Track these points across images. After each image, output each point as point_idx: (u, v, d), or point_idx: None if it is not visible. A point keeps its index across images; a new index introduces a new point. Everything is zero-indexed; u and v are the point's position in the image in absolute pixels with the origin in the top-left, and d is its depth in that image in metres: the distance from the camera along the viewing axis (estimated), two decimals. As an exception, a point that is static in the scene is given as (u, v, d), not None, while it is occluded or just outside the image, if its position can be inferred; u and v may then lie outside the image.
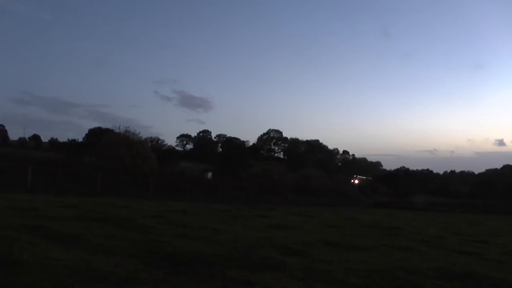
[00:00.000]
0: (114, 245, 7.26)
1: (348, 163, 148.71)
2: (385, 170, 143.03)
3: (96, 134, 74.47)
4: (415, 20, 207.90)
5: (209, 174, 48.77)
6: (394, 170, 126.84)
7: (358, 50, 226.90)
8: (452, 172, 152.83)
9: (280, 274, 6.18)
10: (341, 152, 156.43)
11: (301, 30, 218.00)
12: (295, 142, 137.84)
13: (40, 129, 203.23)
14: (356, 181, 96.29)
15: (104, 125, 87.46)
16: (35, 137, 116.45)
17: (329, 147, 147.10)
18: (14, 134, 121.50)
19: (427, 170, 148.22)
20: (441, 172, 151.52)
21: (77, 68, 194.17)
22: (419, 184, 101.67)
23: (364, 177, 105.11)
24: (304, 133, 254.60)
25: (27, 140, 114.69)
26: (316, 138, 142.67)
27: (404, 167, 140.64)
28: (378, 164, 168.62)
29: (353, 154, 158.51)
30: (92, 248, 6.90)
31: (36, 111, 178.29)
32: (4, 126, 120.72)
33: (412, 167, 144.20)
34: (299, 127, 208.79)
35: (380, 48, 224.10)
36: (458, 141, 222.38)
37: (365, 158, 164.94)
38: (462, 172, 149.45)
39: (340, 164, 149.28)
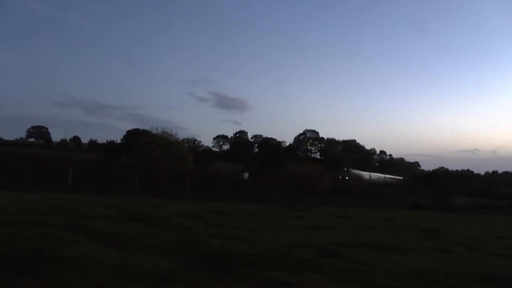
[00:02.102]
0: (152, 244, 7.37)
1: (385, 164, 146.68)
2: (423, 170, 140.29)
3: (133, 135, 75.73)
4: (452, 14, 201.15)
5: (246, 175, 48.87)
6: (433, 170, 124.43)
7: (394, 47, 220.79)
8: (494, 172, 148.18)
9: (317, 275, 6.14)
10: (378, 152, 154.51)
11: (336, 30, 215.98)
12: (331, 142, 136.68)
13: (80, 131, 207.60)
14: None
15: (141, 126, 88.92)
16: (76, 139, 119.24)
17: (366, 147, 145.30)
18: (56, 135, 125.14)
19: (467, 170, 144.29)
20: (482, 173, 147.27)
21: (114, 71, 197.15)
22: (459, 185, 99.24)
23: (401, 178, 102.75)
24: (340, 133, 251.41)
25: (68, 141, 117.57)
26: (353, 138, 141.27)
27: (443, 167, 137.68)
28: (416, 164, 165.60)
29: (390, 154, 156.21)
30: (130, 246, 7.02)
31: (76, 114, 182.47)
32: (47, 128, 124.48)
33: (452, 167, 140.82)
34: (335, 127, 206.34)
35: (416, 44, 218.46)
36: (501, 140, 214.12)
37: (403, 159, 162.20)
38: (505, 173, 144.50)
39: (377, 164, 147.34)
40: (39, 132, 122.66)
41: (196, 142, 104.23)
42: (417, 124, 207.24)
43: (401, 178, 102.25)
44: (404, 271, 6.94)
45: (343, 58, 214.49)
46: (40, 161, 32.48)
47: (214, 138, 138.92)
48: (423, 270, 7.14)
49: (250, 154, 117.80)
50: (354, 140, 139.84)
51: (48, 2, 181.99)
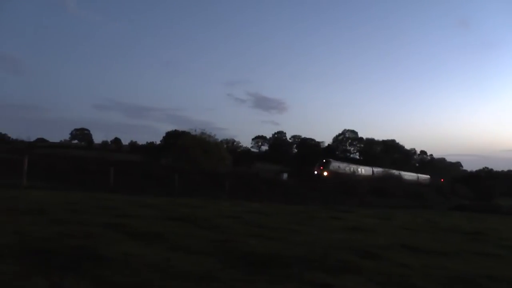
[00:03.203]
0: (192, 244, 7.42)
1: (426, 164, 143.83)
2: (465, 171, 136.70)
3: (173, 137, 76.79)
4: (495, 7, 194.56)
5: (285, 175, 48.80)
6: (476, 171, 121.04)
7: (434, 43, 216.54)
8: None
9: (358, 277, 6.05)
10: (418, 152, 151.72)
11: (373, 27, 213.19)
12: (370, 142, 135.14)
13: (121, 133, 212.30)
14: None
15: (180, 127, 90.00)
16: (116, 140, 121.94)
17: (406, 147, 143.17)
18: (97, 137, 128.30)
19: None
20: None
21: (153, 74, 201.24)
22: (504, 186, 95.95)
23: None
24: (380, 133, 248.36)
25: (109, 143, 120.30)
26: (392, 138, 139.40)
27: (487, 167, 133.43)
28: (458, 164, 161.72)
29: (431, 154, 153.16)
30: (171, 246, 7.08)
31: (117, 116, 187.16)
32: (89, 131, 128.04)
33: (496, 167, 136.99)
34: (374, 127, 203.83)
35: (458, 39, 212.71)
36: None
37: (444, 159, 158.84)
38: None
39: (417, 164, 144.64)
40: (82, 134, 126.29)
41: (235, 143, 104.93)
42: (459, 123, 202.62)
43: (429, 176, 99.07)
44: (446, 275, 6.72)
45: (382, 56, 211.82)
46: (82, 162, 33.30)
47: (252, 139, 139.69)
48: (467, 275, 6.88)
49: (289, 154, 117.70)
50: (394, 140, 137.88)
51: (87, 7, 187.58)
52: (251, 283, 5.28)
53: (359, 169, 77.64)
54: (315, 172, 65.24)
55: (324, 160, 72.79)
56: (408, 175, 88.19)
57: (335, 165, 71.63)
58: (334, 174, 62.74)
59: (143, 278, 4.99)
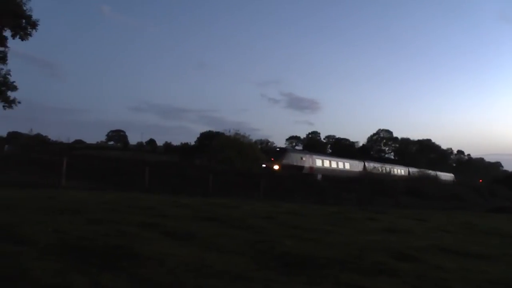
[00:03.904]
0: (227, 244, 7.44)
1: (464, 164, 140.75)
2: (506, 171, 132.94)
3: (207, 138, 77.48)
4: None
5: (319, 176, 48.41)
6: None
7: (471, 39, 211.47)
8: None
9: (394, 280, 5.94)
10: (455, 152, 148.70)
11: (409, 25, 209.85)
12: (406, 142, 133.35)
13: (156, 134, 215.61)
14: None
15: (214, 128, 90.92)
16: (151, 142, 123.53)
17: (442, 146, 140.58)
18: (133, 139, 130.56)
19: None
20: None
21: (187, 75, 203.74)
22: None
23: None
24: (415, 133, 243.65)
25: (144, 144, 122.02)
26: (428, 138, 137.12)
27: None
28: (497, 164, 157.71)
29: (469, 154, 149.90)
30: (205, 245, 7.12)
31: (152, 118, 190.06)
32: (124, 132, 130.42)
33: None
34: (410, 126, 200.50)
35: (496, 34, 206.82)
36: None
37: (483, 158, 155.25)
38: None
39: (454, 164, 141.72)
40: (118, 136, 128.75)
41: (269, 143, 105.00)
42: (499, 121, 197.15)
43: (452, 175, 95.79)
44: (486, 279, 6.50)
45: (417, 54, 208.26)
46: (118, 163, 33.87)
47: (287, 139, 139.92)
48: (509, 279, 6.69)
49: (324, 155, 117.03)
50: (429, 140, 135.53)
51: (123, 12, 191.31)
52: (286, 284, 5.26)
53: (343, 164, 62.98)
54: (263, 165, 49.64)
55: (278, 149, 57.87)
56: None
57: (296, 156, 54.95)
58: (292, 168, 49.54)
59: (178, 277, 5.03)
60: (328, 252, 7.38)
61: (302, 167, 52.16)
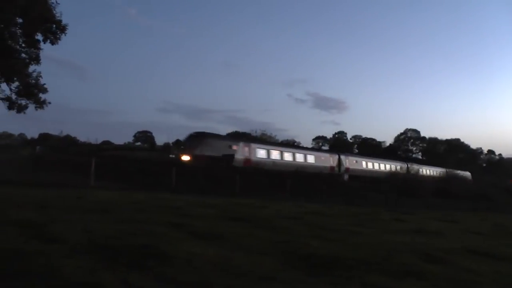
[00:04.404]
0: (253, 244, 7.45)
1: (494, 164, 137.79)
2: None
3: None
4: None
5: (346, 176, 47.91)
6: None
7: (499, 35, 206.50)
8: None
9: (422, 282, 5.84)
10: (485, 151, 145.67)
11: (436, 26, 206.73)
12: (434, 141, 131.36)
13: (182, 135, 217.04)
14: None
15: (240, 129, 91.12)
16: (178, 142, 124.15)
17: (471, 146, 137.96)
18: (160, 139, 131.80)
19: None
20: None
21: (212, 76, 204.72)
22: None
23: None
24: (443, 132, 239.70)
25: (171, 145, 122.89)
26: (457, 137, 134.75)
27: None
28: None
29: (500, 154, 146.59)
30: (232, 245, 7.15)
31: (178, 118, 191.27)
32: (151, 133, 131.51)
33: None
34: (438, 126, 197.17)
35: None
36: None
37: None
38: None
39: (484, 165, 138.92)
40: (145, 137, 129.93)
41: (296, 144, 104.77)
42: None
43: (469, 173, 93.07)
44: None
45: (447, 53, 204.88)
46: (145, 164, 34.16)
47: (313, 139, 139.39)
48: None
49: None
50: (458, 139, 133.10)
51: (147, 14, 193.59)
52: (312, 285, 5.24)
53: (304, 157, 49.04)
54: (171, 155, 40.51)
55: (193, 134, 41.57)
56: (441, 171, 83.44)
57: (220, 144, 40.73)
58: (213, 160, 37.04)
59: (205, 277, 5.06)
60: (354, 253, 7.32)
61: (230, 159, 39.96)
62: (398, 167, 65.09)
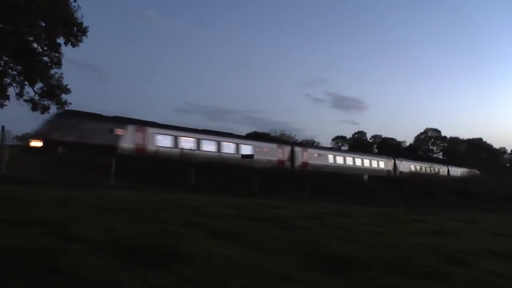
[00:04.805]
0: (272, 244, 7.44)
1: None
2: None
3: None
4: None
5: (365, 176, 47.59)
6: None
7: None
8: None
9: (442, 284, 5.76)
10: (509, 151, 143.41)
11: (456, 25, 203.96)
12: (455, 141, 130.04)
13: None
14: None
15: (259, 129, 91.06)
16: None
17: (494, 146, 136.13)
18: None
19: None
20: None
21: (230, 76, 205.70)
22: None
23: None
24: (464, 132, 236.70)
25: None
26: (479, 137, 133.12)
27: None
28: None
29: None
30: (251, 245, 7.15)
31: (197, 119, 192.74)
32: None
33: None
34: (459, 125, 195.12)
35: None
36: None
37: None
38: None
39: (508, 164, 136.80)
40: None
41: (315, 144, 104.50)
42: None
43: (478, 172, 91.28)
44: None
45: (468, 52, 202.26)
46: (165, 163, 34.34)
47: (332, 139, 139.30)
48: None
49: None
50: (480, 139, 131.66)
51: (167, 15, 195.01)
52: (332, 286, 5.22)
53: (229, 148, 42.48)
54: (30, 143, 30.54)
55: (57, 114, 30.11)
56: (454, 171, 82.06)
57: (97, 126, 32.72)
58: (82, 147, 29.68)
59: (224, 276, 5.08)
60: (373, 253, 7.27)
61: (113, 146, 32.83)
62: (382, 164, 63.70)
